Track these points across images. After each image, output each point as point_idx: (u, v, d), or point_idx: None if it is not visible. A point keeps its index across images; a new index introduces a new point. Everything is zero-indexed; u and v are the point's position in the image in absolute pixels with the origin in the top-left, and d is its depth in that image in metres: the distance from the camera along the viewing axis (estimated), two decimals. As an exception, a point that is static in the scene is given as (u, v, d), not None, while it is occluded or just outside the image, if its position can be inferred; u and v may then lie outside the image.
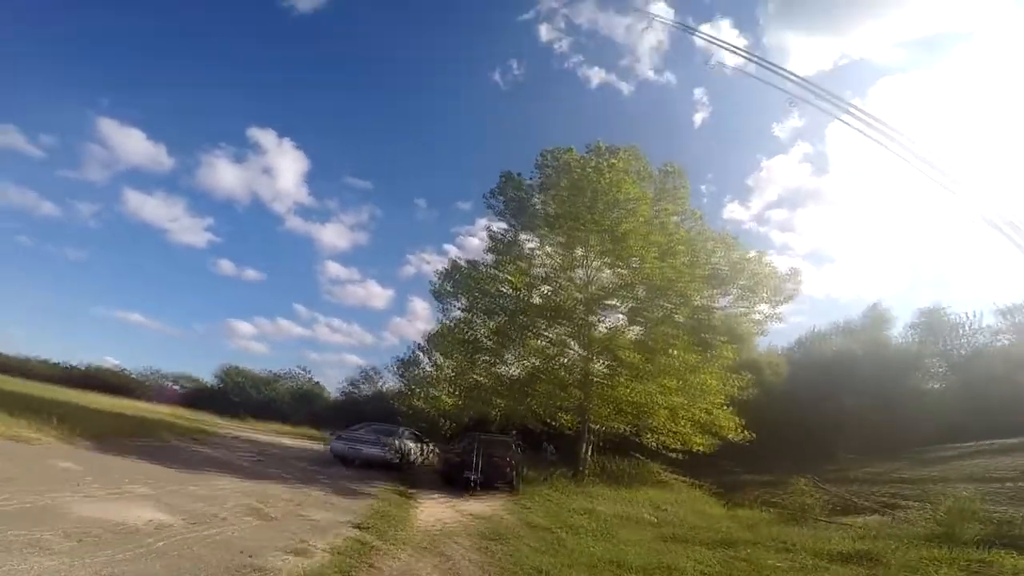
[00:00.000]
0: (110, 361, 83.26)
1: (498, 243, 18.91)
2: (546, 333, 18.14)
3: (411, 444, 17.15)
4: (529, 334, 18.06)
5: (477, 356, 18.51)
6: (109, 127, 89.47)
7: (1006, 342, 37.37)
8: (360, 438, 15.99)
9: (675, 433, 18.22)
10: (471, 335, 18.66)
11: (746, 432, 18.01)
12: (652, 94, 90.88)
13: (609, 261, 17.99)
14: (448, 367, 20.75)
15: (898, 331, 41.05)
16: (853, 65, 76.38)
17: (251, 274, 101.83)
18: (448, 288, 19.21)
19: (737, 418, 18.05)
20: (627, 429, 19.56)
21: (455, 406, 19.53)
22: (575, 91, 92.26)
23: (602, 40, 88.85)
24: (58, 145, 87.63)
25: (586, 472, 17.54)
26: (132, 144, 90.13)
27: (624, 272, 17.97)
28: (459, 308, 19.22)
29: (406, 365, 27.85)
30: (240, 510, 7.09)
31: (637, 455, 18.70)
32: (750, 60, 12.68)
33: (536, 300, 17.95)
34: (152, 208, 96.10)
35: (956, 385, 34.64)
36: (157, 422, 19.64)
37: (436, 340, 21.64)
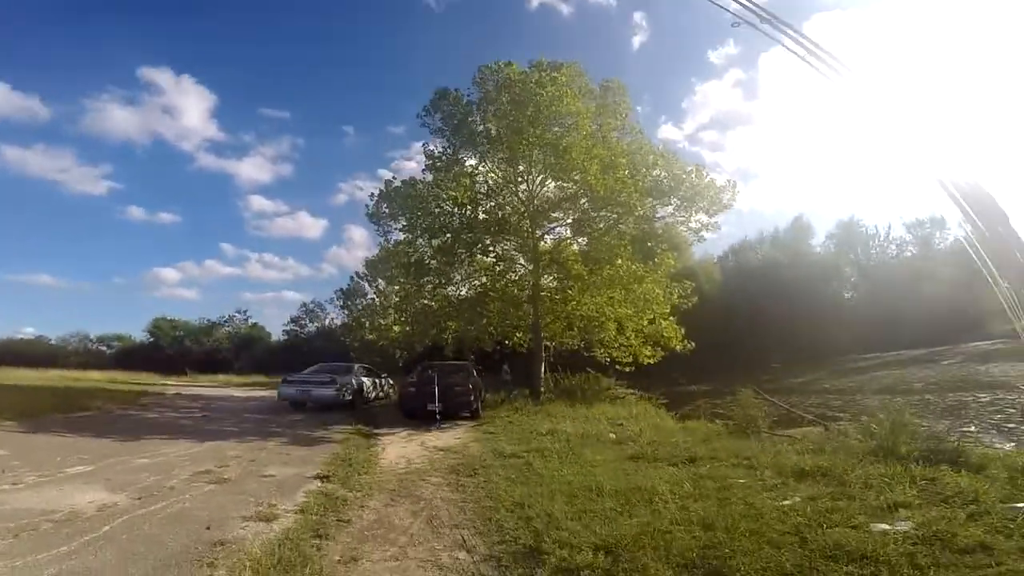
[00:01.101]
0: (27, 331, 76.29)
1: (436, 161, 17.92)
2: (493, 249, 17.85)
3: (365, 380, 16.88)
4: (476, 251, 17.70)
5: (423, 279, 18.07)
6: None
7: (912, 253, 40.57)
8: (310, 379, 15.53)
9: (624, 346, 18.85)
10: (415, 256, 18.08)
11: (688, 342, 18.88)
12: (592, 16, 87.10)
13: (553, 175, 17.62)
14: (393, 293, 20.24)
15: (818, 241, 43.71)
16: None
17: (167, 217, 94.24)
18: (385, 210, 18.27)
19: (679, 328, 18.83)
20: (579, 344, 20.07)
21: (405, 334, 19.21)
22: (514, 12, 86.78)
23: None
24: None
25: (543, 391, 17.98)
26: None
27: (567, 185, 17.73)
28: (399, 229, 18.44)
29: (348, 296, 27.03)
30: (192, 477, 6.63)
31: (589, 370, 19.29)
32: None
33: (481, 217, 17.44)
34: (36, 161, 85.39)
35: (867, 295, 37.65)
36: (90, 390, 18.44)
37: (377, 266, 20.89)
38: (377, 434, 11.34)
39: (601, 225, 17.63)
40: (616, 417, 12.48)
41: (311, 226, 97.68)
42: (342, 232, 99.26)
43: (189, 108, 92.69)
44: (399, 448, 9.54)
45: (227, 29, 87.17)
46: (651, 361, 19.04)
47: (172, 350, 59.72)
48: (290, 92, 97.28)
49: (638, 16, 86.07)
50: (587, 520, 4.63)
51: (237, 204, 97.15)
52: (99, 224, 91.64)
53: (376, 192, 18.67)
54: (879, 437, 6.29)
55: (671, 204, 18.18)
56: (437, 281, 18.46)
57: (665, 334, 18.37)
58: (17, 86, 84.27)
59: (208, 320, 64.39)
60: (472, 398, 13.36)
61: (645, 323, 18.51)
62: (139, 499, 5.53)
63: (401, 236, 18.49)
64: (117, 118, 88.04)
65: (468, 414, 13.47)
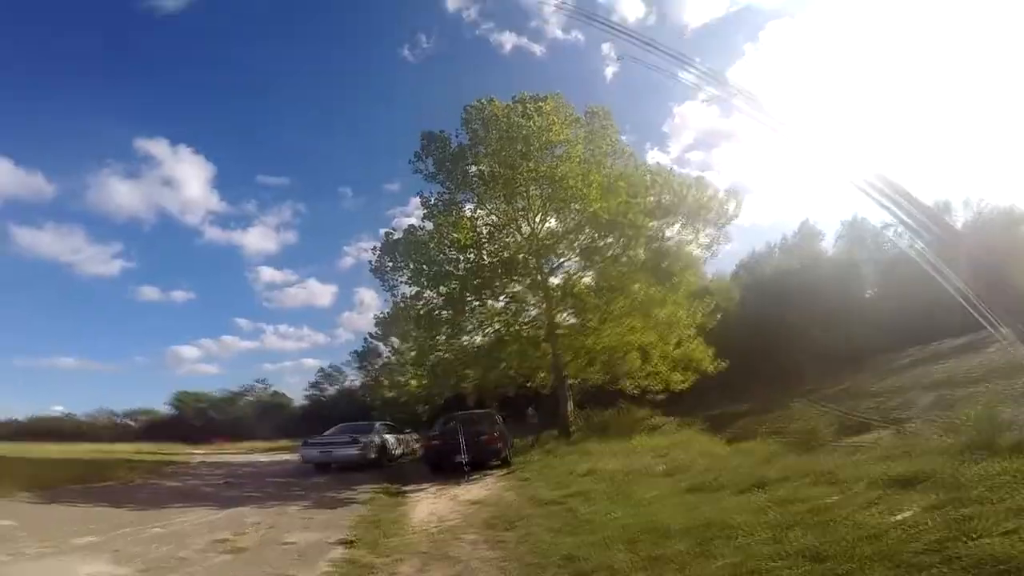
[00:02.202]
0: (57, 410, 77.55)
1: (434, 208, 17.67)
2: (502, 291, 17.39)
3: (389, 437, 16.19)
4: (485, 296, 17.24)
5: (435, 331, 17.57)
6: None
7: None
8: (332, 440, 14.89)
9: (652, 374, 18.05)
10: (424, 309, 17.63)
11: (719, 361, 18.03)
12: (563, 53, 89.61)
13: (553, 207, 17.28)
14: (407, 349, 19.80)
15: (829, 244, 42.68)
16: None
17: (180, 295, 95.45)
18: (388, 264, 17.97)
19: (708, 348, 18.03)
20: (603, 378, 19.29)
21: (424, 387, 18.65)
22: (489, 58, 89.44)
23: (510, 4, 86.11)
24: None
25: (573, 429, 17.14)
26: (2, 176, 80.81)
27: (570, 216, 17.34)
28: (404, 282, 18.05)
29: (364, 357, 26.71)
30: (207, 547, 6.03)
31: (621, 403, 18.46)
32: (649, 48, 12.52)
33: (486, 260, 17.07)
34: (47, 242, 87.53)
35: (889, 290, 36.32)
36: (114, 462, 17.89)
37: (388, 324, 20.53)
38: (405, 492, 10.65)
39: (610, 253, 17.06)
40: (659, 447, 11.63)
41: (321, 293, 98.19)
42: (352, 295, 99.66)
43: (189, 179, 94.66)
44: (429, 504, 8.84)
45: (216, 95, 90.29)
46: (683, 386, 18.20)
47: (196, 421, 59.63)
48: (285, 158, 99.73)
49: (606, 47, 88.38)
50: (659, 570, 3.97)
51: (247, 276, 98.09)
52: (115, 304, 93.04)
53: (378, 246, 18.43)
54: (972, 432, 5.51)
55: (677, 222, 17.69)
56: (450, 332, 17.97)
57: (695, 356, 17.58)
58: (20, 162, 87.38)
59: (229, 391, 64.48)
60: (500, 445, 12.64)
61: (671, 348, 17.78)
62: (145, 571, 4.96)
63: (408, 289, 18.17)
64: (120, 192, 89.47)
65: (498, 462, 12.72)
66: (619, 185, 16.19)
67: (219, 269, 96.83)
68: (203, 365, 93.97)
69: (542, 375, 18.65)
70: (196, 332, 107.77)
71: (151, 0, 78.08)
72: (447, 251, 16.97)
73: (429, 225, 17.91)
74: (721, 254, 19.25)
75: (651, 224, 17.00)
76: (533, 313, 18.29)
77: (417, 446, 18.13)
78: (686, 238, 17.89)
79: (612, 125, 18.78)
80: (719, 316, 18.99)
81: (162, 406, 66.86)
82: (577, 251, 17.49)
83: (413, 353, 19.50)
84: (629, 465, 9.57)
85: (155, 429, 58.71)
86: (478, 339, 18.87)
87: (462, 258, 17.02)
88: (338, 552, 5.84)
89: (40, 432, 57.34)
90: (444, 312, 17.60)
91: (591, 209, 15.58)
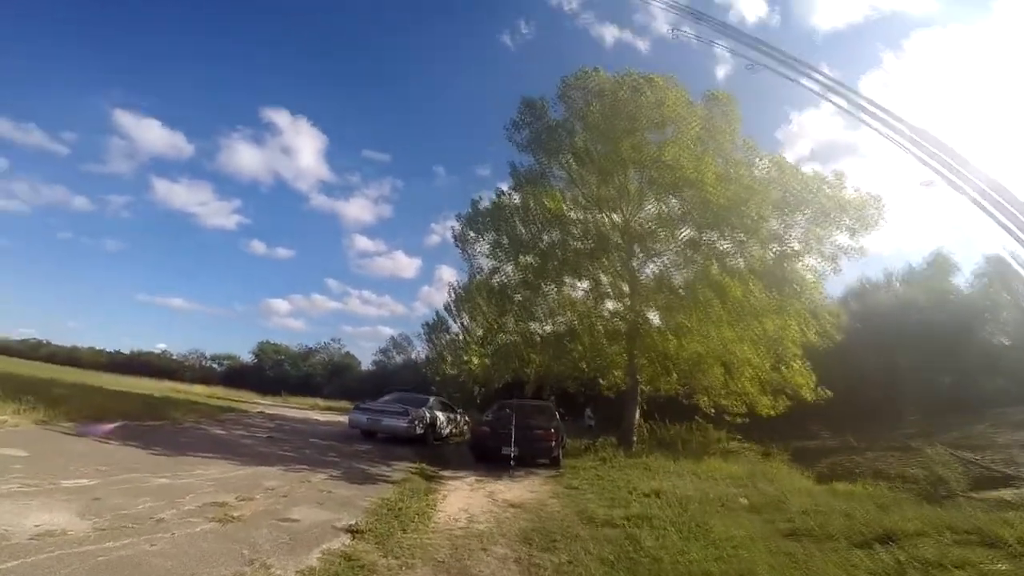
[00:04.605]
0: (160, 346, 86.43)
1: (523, 178, 16.51)
2: (586, 276, 15.86)
3: (440, 415, 15.36)
4: (566, 278, 15.81)
5: (505, 307, 16.44)
6: (125, 118, 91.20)
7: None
8: (383, 408, 14.26)
9: (736, 393, 15.92)
10: (499, 282, 16.52)
11: (822, 390, 15.56)
12: (671, 50, 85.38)
13: (655, 192, 15.45)
14: (477, 326, 18.89)
15: (964, 280, 37.11)
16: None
17: (283, 252, 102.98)
18: (471, 232, 17.03)
19: (811, 374, 15.60)
20: (678, 390, 17.37)
21: (484, 367, 17.69)
22: (590, 50, 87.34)
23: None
24: (80, 140, 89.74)
25: (635, 440, 15.52)
26: (151, 134, 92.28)
27: (674, 203, 15.41)
28: (484, 254, 16.99)
29: (433, 329, 26.34)
30: (197, 509, 5.27)
31: (698, 419, 16.57)
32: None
33: (571, 240, 15.63)
34: (180, 195, 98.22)
35: None
36: (182, 402, 18.51)
37: (462, 298, 19.68)
38: (441, 477, 9.66)
39: (720, 247, 14.91)
40: (736, 476, 9.87)
41: (406, 266, 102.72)
42: (434, 272, 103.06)
43: (304, 148, 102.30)
44: (462, 498, 7.76)
45: (335, 71, 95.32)
46: (771, 412, 15.89)
47: (273, 372, 63.08)
48: (390, 136, 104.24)
49: (718, 49, 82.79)
50: None
51: (343, 243, 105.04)
52: (227, 254, 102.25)
53: (466, 213, 17.57)
54: None
55: (802, 222, 15.07)
56: (520, 313, 16.74)
57: (795, 381, 15.22)
58: (167, 123, 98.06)
59: (307, 347, 67.69)
60: (553, 443, 11.36)
61: (767, 366, 15.49)
62: (101, 531, 4.20)
63: (486, 262, 17.09)
64: (246, 155, 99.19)
65: (547, 461, 11.45)
66: (739, 173, 14.22)
67: (320, 233, 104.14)
68: (291, 319, 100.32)
69: (614, 374, 17.11)
70: (291, 288, 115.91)
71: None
72: (532, 223, 15.68)
73: (516, 198, 16.85)
74: (830, 279, 16.41)
75: (772, 220, 14.81)
76: (613, 307, 16.65)
77: (467, 428, 17.30)
78: (811, 244, 15.19)
79: (735, 112, 16.46)
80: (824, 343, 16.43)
81: (246, 354, 71.78)
82: (680, 243, 15.47)
83: (480, 332, 18.57)
84: (704, 491, 7.98)
85: (235, 375, 63.03)
86: (548, 327, 17.59)
87: (546, 235, 15.73)
88: (339, 542, 4.86)
89: (137, 366, 63.44)
90: (518, 295, 16.43)
91: (704, 195, 13.71)
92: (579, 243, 15.89)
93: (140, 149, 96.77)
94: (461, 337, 20.61)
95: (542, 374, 17.24)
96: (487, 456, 11.29)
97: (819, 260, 15.28)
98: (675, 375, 16.50)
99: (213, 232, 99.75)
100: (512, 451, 10.44)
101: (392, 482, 8.35)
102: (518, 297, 16.33)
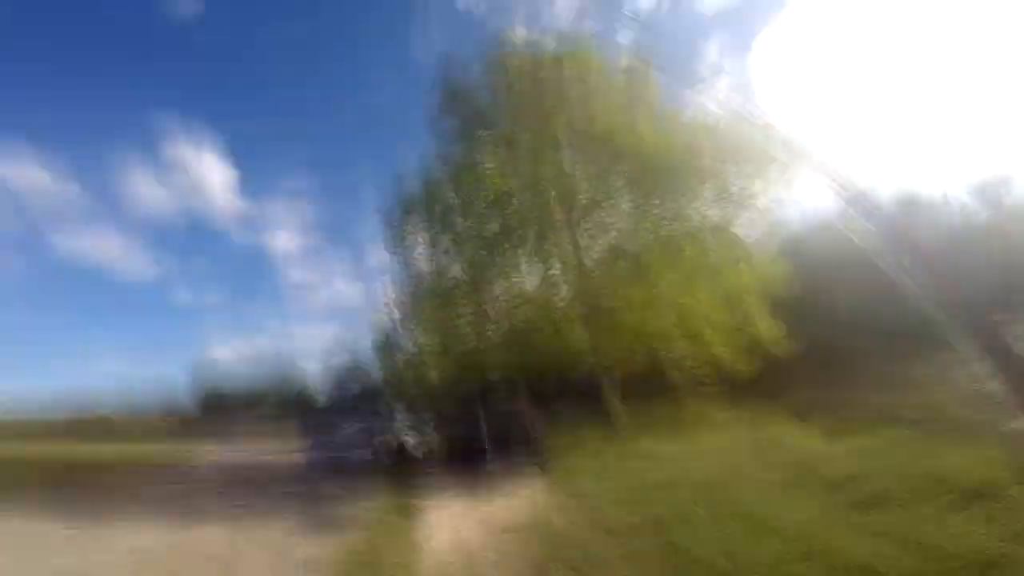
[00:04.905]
0: (95, 411, 79.22)
1: (457, 167, 15.40)
2: (536, 260, 14.89)
3: (408, 436, 14.04)
4: (515, 261, 14.80)
5: (455, 309, 15.21)
6: (8, 169, 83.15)
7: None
8: (343, 441, 12.83)
9: (707, 361, 15.32)
10: (442, 284, 15.28)
11: (784, 340, 15.25)
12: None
13: (594, 165, 14.75)
14: (428, 337, 17.48)
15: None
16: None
17: (213, 298, 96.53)
18: (404, 229, 15.68)
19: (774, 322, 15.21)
20: (648, 367, 16.64)
21: (446, 379, 16.31)
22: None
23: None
24: None
25: (619, 426, 14.68)
26: (30, 177, 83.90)
27: (615, 173, 14.73)
28: (422, 255, 15.72)
29: (384, 350, 24.69)
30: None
31: (675, 395, 15.87)
32: None
33: (515, 220, 14.62)
34: (86, 248, 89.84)
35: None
36: (111, 463, 16.37)
37: (405, 308, 18.25)
38: (422, 502, 8.42)
39: (668, 207, 14.33)
40: (744, 446, 9.09)
41: (349, 291, 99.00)
42: (379, 294, 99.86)
43: (215, 184, 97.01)
44: (452, 527, 6.59)
45: (234, 100, 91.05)
46: (745, 372, 15.34)
47: (222, 419, 59.42)
48: (310, 160, 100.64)
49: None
50: None
51: (277, 278, 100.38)
52: (153, 307, 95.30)
53: (392, 203, 16.12)
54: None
55: (740, 173, 14.72)
56: (474, 316, 15.53)
57: (758, 329, 14.74)
58: (55, 172, 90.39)
59: (256, 389, 64.32)
60: (535, 444, 10.27)
61: (733, 326, 14.94)
62: None
63: (426, 265, 15.76)
64: (151, 195, 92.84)
65: (533, 464, 10.36)
66: (677, 125, 13.65)
67: (249, 271, 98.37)
68: (236, 365, 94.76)
69: (583, 362, 16.23)
70: (230, 334, 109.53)
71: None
72: (472, 208, 14.57)
73: (451, 192, 15.63)
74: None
75: (713, 175, 14.34)
76: (568, 292, 15.78)
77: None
78: (754, 190, 14.78)
79: (653, 77, 16.12)
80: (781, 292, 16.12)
81: (191, 405, 67.40)
82: (627, 211, 14.78)
83: (431, 343, 17.22)
84: (721, 470, 7.11)
85: (186, 427, 58.85)
86: (506, 326, 16.49)
87: (489, 223, 14.64)
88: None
89: (78, 431, 58.14)
90: (464, 284, 15.20)
91: (643, 161, 13.05)
92: (523, 229, 14.92)
93: (28, 202, 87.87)
94: (415, 350, 19.13)
95: (508, 375, 16.07)
96: (464, 466, 10.09)
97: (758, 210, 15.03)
98: (642, 352, 15.82)
99: (132, 286, 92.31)
100: (489, 459, 9.36)
101: (362, 524, 7.05)
102: (464, 282, 15.17)
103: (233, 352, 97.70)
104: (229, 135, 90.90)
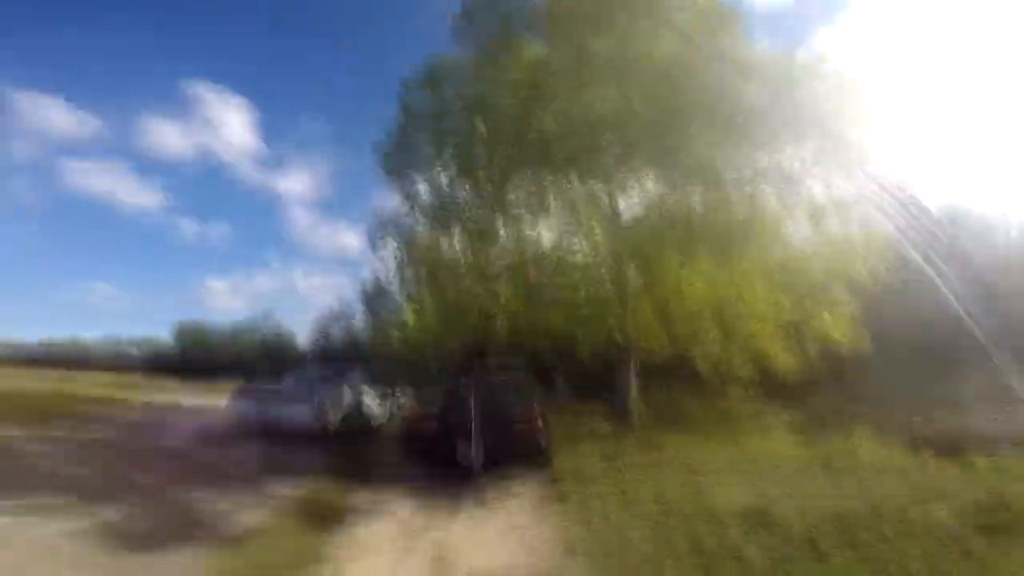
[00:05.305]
0: (86, 336, 76.11)
1: (476, 70, 11.91)
2: (564, 192, 11.51)
3: (368, 397, 10.97)
4: (539, 195, 11.39)
5: (454, 255, 11.91)
6: (28, 100, 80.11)
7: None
8: (278, 393, 9.79)
9: (747, 348, 12.18)
10: (442, 222, 11.94)
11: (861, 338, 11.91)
12: None
13: (646, 102, 11.21)
14: (418, 288, 14.12)
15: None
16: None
17: (218, 230, 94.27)
18: (402, 161, 12.30)
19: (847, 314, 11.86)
20: (674, 350, 13.51)
21: (431, 342, 13.07)
22: None
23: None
24: None
25: (635, 418, 11.72)
26: (56, 114, 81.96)
27: (671, 114, 11.23)
28: (422, 189, 12.29)
29: (371, 297, 21.63)
30: None
31: (702, 388, 12.80)
32: None
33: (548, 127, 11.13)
34: (94, 176, 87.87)
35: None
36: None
37: (405, 253, 14.86)
38: (349, 510, 5.35)
39: (717, 156, 10.92)
40: (810, 461, 6.09)
41: (350, 238, 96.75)
42: (381, 244, 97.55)
43: (231, 121, 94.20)
44: (386, 559, 3.57)
45: (258, 38, 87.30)
46: (792, 369, 12.10)
47: (197, 355, 56.37)
48: (326, 103, 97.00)
49: None
50: None
51: (283, 217, 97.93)
52: (156, 235, 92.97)
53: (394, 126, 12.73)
54: None
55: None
56: (476, 253, 12.21)
57: (824, 324, 11.42)
58: (74, 103, 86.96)
59: (236, 326, 61.15)
60: (540, 440, 7.14)
61: (788, 308, 11.62)
62: None
63: (423, 190, 12.40)
64: (166, 132, 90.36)
65: (531, 462, 7.28)
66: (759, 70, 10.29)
67: (258, 208, 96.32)
68: (230, 300, 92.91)
69: (598, 339, 13.04)
70: (229, 267, 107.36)
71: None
72: (491, 124, 11.08)
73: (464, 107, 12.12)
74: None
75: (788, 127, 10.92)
76: (591, 253, 12.43)
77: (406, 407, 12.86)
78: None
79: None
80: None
81: (166, 337, 64.35)
82: (685, 162, 11.14)
83: (420, 296, 13.85)
84: (820, 498, 4.07)
85: (159, 361, 56.08)
86: (512, 285, 13.13)
87: (506, 141, 11.23)
88: None
89: (46, 358, 55.57)
90: (469, 232, 11.91)
91: (714, 98, 9.73)
92: (549, 160, 11.49)
93: (44, 131, 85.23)
94: (401, 297, 15.81)
95: (508, 337, 12.85)
96: (433, 461, 7.04)
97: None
98: (670, 330, 12.67)
99: (136, 213, 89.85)
100: (474, 455, 6.25)
101: (240, 535, 4.07)
102: (466, 197, 11.88)
103: (230, 285, 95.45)
104: (252, 80, 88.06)
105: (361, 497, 5.72)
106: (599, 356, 13.79)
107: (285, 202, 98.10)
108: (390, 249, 15.35)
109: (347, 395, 10.03)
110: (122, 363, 58.43)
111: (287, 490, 5.77)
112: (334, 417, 9.36)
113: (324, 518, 4.82)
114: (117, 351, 70.71)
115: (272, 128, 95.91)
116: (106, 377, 32.37)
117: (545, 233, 12.23)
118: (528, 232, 11.79)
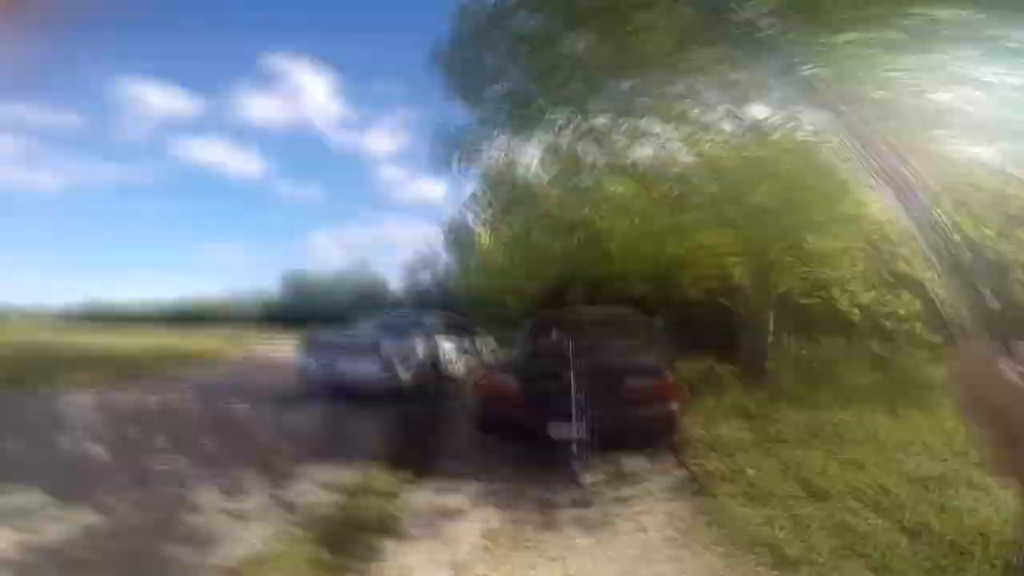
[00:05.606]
0: (210, 292, 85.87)
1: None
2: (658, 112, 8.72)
3: (446, 344, 9.47)
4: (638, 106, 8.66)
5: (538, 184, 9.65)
6: (122, 82, 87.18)
7: None
8: (343, 344, 8.53)
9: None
10: (521, 123, 9.61)
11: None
12: None
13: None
14: (503, 226, 12.02)
15: None
16: None
17: (312, 190, 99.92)
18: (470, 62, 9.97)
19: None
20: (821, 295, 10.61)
21: (521, 290, 11.13)
22: None
23: None
24: (93, 112, 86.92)
25: (771, 373, 9.35)
26: (152, 93, 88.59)
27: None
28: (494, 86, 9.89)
29: (455, 235, 20.49)
30: None
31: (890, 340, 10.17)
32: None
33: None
34: (199, 150, 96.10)
35: None
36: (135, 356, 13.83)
37: (487, 188, 12.66)
38: (401, 516, 3.78)
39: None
40: None
41: (434, 188, 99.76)
42: (461, 191, 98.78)
43: (314, 89, 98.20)
44: None
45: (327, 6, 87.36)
46: None
47: (301, 306, 60.03)
48: (399, 62, 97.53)
49: None
50: None
51: (371, 174, 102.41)
52: (260, 200, 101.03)
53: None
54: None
55: None
56: (564, 177, 9.84)
57: None
58: (170, 83, 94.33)
59: (337, 275, 64.62)
60: (673, 407, 4.96)
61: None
62: None
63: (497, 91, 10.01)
64: (256, 104, 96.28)
65: (655, 442, 5.27)
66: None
67: (348, 167, 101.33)
68: (332, 253, 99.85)
69: (722, 275, 10.52)
70: (326, 222, 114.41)
71: None
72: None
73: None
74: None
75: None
76: (705, 178, 9.53)
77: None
78: None
79: None
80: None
81: (280, 290, 69.26)
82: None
83: (504, 235, 11.86)
84: None
85: (273, 313, 60.33)
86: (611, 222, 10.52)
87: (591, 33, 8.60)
88: None
89: (179, 315, 61.96)
90: (555, 153, 9.58)
91: None
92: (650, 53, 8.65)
93: (149, 113, 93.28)
94: (481, 237, 14.05)
95: (601, 276, 10.65)
96: (515, 436, 5.29)
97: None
98: (812, 270, 9.85)
99: (239, 180, 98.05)
100: (576, 432, 4.40)
101: (254, 552, 2.61)
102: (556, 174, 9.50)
103: (329, 239, 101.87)
104: (331, 48, 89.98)
105: (420, 497, 4.15)
106: (712, 302, 11.43)
107: (372, 159, 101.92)
108: (465, 176, 13.39)
109: (421, 347, 8.58)
110: (240, 316, 63.56)
111: (324, 485, 4.32)
112: (405, 374, 7.97)
113: (360, 538, 3.27)
114: (237, 305, 77.25)
115: (352, 92, 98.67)
116: (222, 331, 33.97)
117: (644, 149, 9.69)
118: (627, 145, 9.31)
